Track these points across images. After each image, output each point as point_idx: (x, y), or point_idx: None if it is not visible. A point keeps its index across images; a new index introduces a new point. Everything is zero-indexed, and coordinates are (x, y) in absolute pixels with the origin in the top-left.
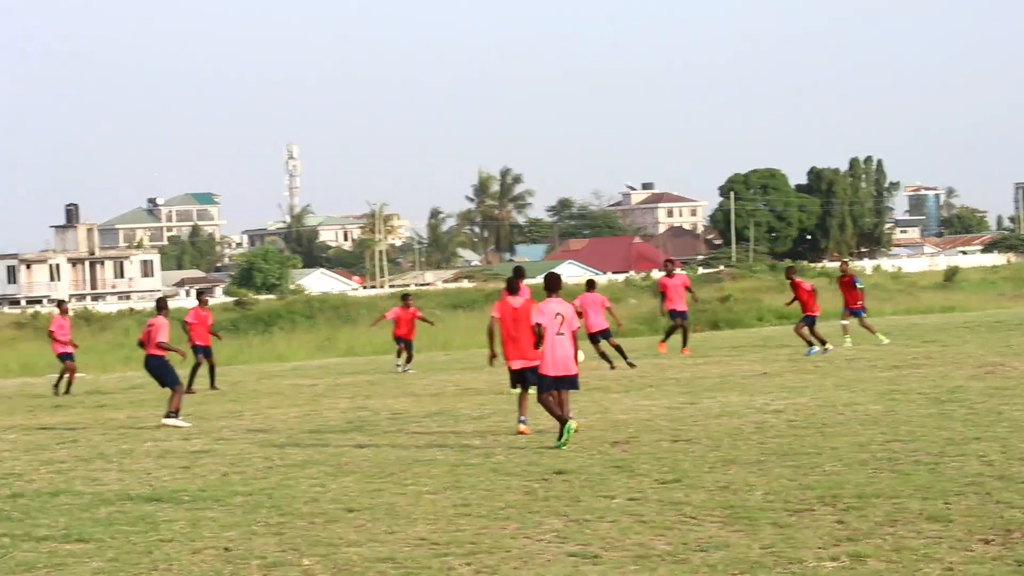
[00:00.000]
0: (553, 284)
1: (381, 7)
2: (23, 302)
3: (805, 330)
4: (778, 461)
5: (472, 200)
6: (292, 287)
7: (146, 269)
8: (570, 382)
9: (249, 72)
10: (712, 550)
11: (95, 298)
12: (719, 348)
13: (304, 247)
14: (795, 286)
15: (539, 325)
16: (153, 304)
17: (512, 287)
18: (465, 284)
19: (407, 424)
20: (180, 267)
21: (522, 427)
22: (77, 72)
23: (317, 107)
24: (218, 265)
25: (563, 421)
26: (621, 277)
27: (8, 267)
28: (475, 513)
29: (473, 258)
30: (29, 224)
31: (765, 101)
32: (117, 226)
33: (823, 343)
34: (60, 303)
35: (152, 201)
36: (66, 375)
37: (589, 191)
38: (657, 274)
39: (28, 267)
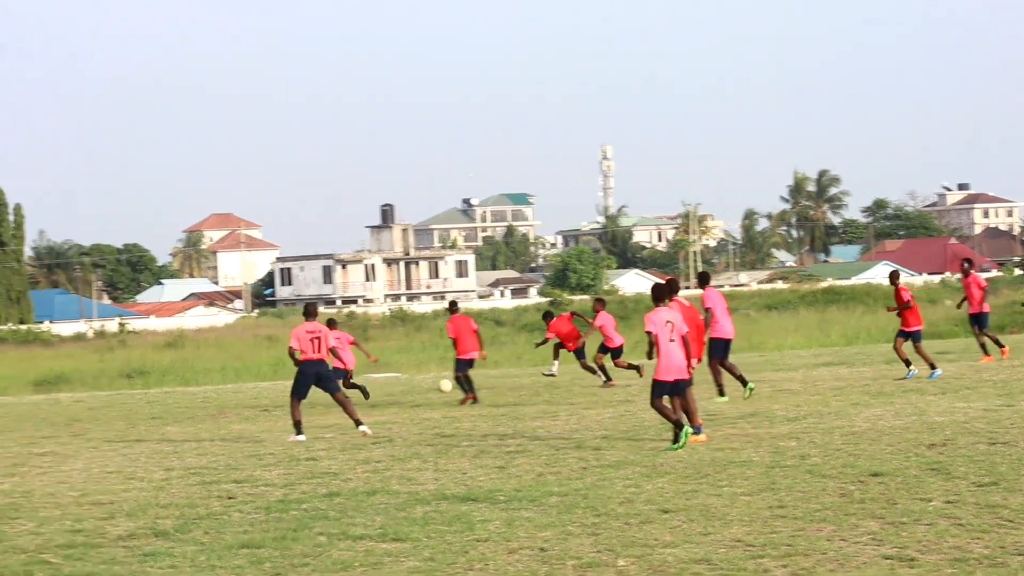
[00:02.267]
0: (661, 294)
1: (693, 8)
2: (339, 302)
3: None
4: None
5: (787, 200)
6: (606, 287)
7: (461, 269)
8: (685, 385)
9: (563, 73)
10: None
11: (410, 298)
12: None
13: (619, 247)
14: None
15: (651, 333)
16: (465, 305)
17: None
18: (779, 285)
19: (722, 425)
20: (494, 267)
21: (701, 436)
22: (394, 75)
23: (631, 107)
24: (532, 266)
25: (679, 425)
26: (936, 278)
27: (324, 267)
28: (790, 515)
29: (787, 259)
30: (345, 225)
31: None
32: (432, 226)
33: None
34: (330, 321)
35: (467, 201)
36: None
37: (904, 192)
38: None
39: (344, 267)
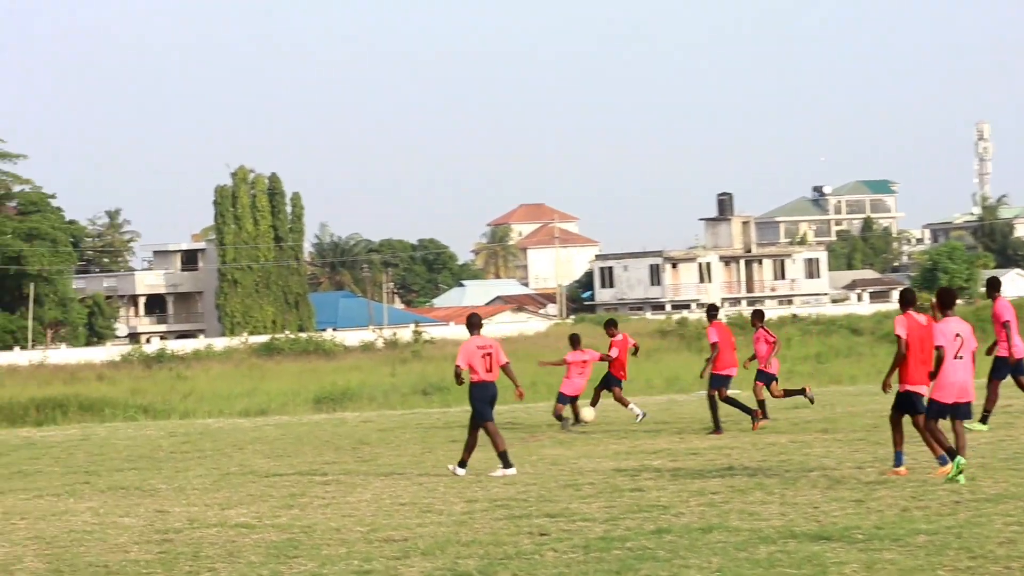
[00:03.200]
0: (949, 300)
1: None
2: (668, 307)
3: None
4: None
5: None
6: (981, 290)
7: (811, 269)
8: (966, 410)
9: (930, 42)
10: None
11: (751, 302)
12: None
13: (997, 243)
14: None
15: (940, 347)
16: (824, 311)
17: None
18: None
19: None
20: (850, 266)
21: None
22: (732, 48)
23: (1012, 79)
24: (895, 264)
25: (952, 453)
26: None
27: (651, 266)
28: None
29: None
30: (676, 217)
31: None
32: (777, 219)
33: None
34: (573, 337)
35: (818, 190)
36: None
37: None
38: None
39: (674, 267)
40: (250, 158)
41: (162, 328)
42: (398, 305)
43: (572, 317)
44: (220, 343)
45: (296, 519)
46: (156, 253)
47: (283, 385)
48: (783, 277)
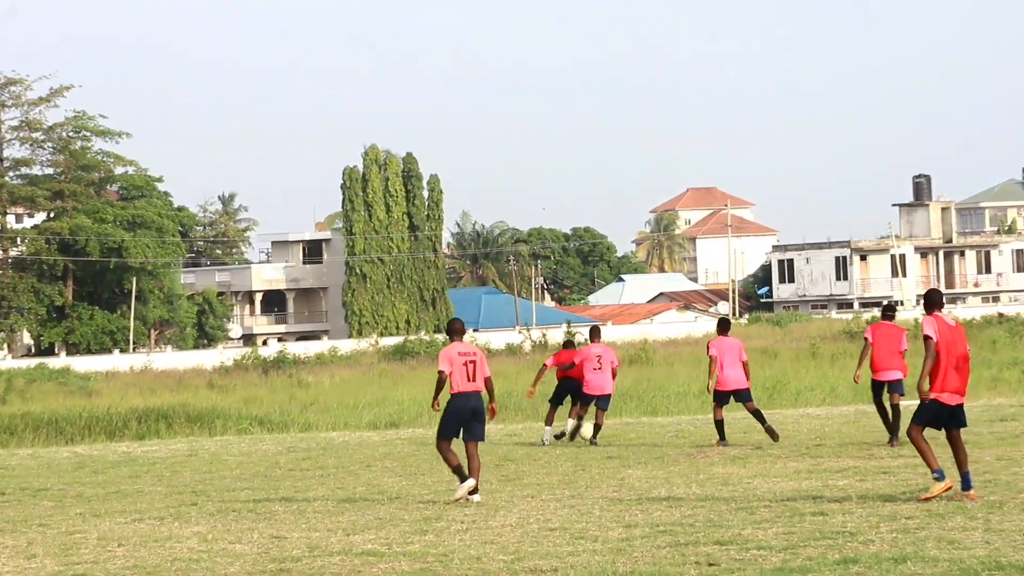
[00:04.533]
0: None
1: None
2: (855, 304)
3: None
4: None
5: None
6: None
7: (1020, 261)
8: None
9: None
10: None
11: (953, 299)
12: None
13: None
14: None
15: None
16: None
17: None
18: None
19: None
20: None
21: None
22: (929, 18)
23: None
24: None
25: None
26: None
27: (837, 259)
28: None
29: None
30: (865, 203)
31: None
32: (982, 204)
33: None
34: (594, 329)
35: None
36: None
37: None
38: None
39: (863, 259)
40: (383, 137)
41: (281, 329)
42: (548, 302)
43: (746, 316)
44: (346, 346)
45: (431, 546)
46: (275, 244)
47: (418, 393)
48: (988, 271)
